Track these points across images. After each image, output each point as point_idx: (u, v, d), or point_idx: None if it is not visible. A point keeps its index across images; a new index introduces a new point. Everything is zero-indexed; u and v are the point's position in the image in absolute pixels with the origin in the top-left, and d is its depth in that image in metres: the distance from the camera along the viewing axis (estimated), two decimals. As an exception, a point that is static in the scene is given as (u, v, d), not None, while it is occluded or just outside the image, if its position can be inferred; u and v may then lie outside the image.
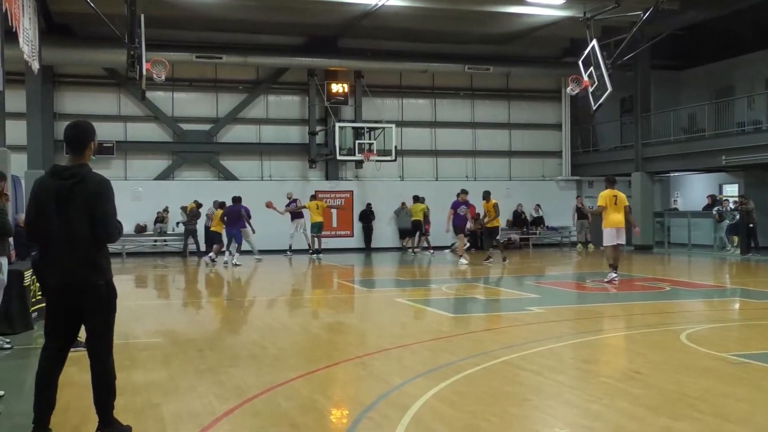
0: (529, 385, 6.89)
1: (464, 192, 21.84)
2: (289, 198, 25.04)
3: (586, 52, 23.47)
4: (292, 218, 24.73)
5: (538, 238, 29.48)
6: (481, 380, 7.07)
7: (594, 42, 23.21)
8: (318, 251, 24.38)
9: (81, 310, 5.15)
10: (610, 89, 22.87)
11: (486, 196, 20.98)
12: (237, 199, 21.30)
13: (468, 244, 23.81)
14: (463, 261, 21.03)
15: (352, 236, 28.34)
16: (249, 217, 21.38)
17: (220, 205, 22.50)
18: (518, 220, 29.47)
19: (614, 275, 15.29)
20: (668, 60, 28.78)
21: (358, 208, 28.26)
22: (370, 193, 28.30)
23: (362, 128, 26.96)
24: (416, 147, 29.24)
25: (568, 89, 24.72)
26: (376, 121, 27.38)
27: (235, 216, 21.06)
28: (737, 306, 12.87)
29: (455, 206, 21.44)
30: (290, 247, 24.80)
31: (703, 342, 8.76)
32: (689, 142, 25.95)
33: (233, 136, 27.77)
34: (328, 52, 27.29)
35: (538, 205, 29.69)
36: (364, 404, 6.16)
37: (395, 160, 27.31)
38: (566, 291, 15.53)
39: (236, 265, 20.69)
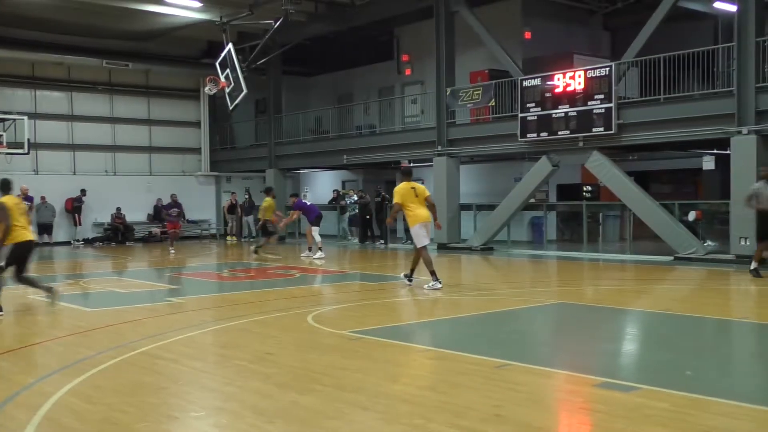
0: (167, 373, 6.75)
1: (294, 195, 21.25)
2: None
3: (223, 54, 23.71)
4: None
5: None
6: (119, 372, 6.78)
7: (230, 45, 23.51)
8: None
9: None
10: (245, 91, 23.34)
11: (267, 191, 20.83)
12: None
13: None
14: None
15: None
16: None
17: None
18: (159, 214, 28.80)
19: (438, 284, 12.16)
20: (298, 66, 30.03)
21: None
22: (0, 187, 25.66)
23: (-10, 119, 24.47)
24: (52, 140, 27.21)
25: (206, 89, 24.80)
26: (5, 112, 24.99)
27: None
28: (355, 288, 13.82)
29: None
30: None
31: (326, 322, 9.29)
32: (316, 142, 27.35)
33: None
34: (-53, 36, 24.29)
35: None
36: (-11, 408, 5.57)
37: (28, 153, 25.18)
38: (205, 281, 15.51)
39: None
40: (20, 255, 10.28)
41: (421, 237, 12.28)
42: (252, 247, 20.48)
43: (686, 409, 5.27)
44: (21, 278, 10.52)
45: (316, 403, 5.59)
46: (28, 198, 19.85)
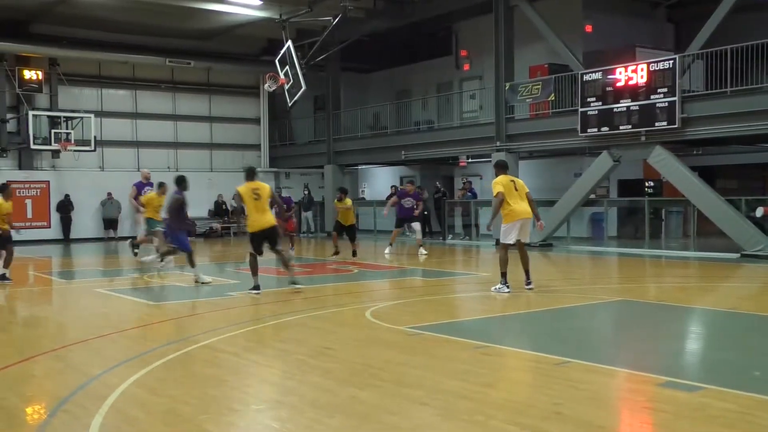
0: (228, 366, 6.86)
1: (411, 183, 20.14)
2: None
3: (282, 51, 23.92)
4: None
5: (240, 227, 29.42)
6: (182, 365, 6.92)
7: (289, 43, 23.71)
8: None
9: None
10: (304, 87, 23.51)
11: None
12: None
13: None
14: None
15: (49, 227, 26.39)
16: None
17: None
18: (219, 209, 29.29)
19: (505, 288, 11.30)
20: (356, 63, 30.12)
21: (55, 199, 26.36)
22: (68, 183, 26.47)
23: (59, 117, 25.22)
24: (117, 137, 27.91)
25: (266, 86, 25.05)
26: (73, 111, 25.74)
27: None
28: (414, 284, 13.81)
29: (401, 196, 19.57)
30: None
31: (385, 318, 9.30)
32: (374, 137, 27.41)
33: None
34: (18, 37, 25.02)
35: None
36: (59, 398, 5.74)
37: (95, 150, 25.88)
38: (264, 276, 15.63)
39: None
40: (253, 242, 11.85)
41: (512, 234, 11.36)
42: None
43: (754, 411, 5.12)
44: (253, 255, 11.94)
45: (376, 398, 5.60)
46: (149, 183, 18.15)
